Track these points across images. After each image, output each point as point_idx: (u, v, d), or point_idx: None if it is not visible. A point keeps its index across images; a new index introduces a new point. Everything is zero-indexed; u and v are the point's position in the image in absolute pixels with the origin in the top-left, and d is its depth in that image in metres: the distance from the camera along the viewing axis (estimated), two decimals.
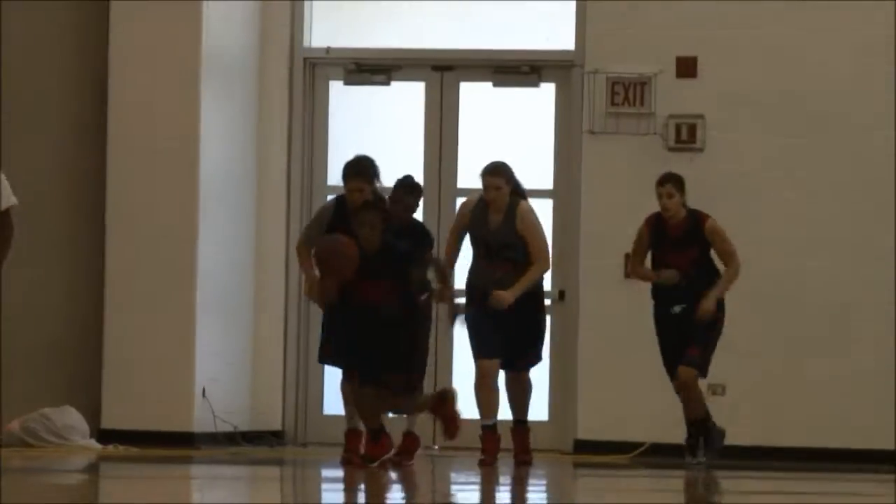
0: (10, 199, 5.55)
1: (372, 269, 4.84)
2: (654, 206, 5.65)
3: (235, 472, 5.85)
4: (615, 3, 6.35)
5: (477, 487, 5.18)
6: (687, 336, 5.74)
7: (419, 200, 5.39)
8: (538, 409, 6.17)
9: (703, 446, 5.79)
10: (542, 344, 5.84)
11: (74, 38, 6.48)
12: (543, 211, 5.87)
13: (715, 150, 6.25)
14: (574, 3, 6.36)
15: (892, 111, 6.08)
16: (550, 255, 5.65)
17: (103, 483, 5.58)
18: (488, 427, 5.58)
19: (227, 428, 6.27)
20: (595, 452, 6.24)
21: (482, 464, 5.52)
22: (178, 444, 6.13)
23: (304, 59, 6.56)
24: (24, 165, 5.96)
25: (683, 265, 5.76)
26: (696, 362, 5.74)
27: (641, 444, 6.01)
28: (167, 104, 6.22)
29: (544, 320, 5.85)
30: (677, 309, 5.76)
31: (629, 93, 6.28)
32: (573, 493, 5.61)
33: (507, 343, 5.50)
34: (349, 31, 6.68)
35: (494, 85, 6.63)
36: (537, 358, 5.76)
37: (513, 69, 6.62)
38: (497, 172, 5.41)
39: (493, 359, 5.53)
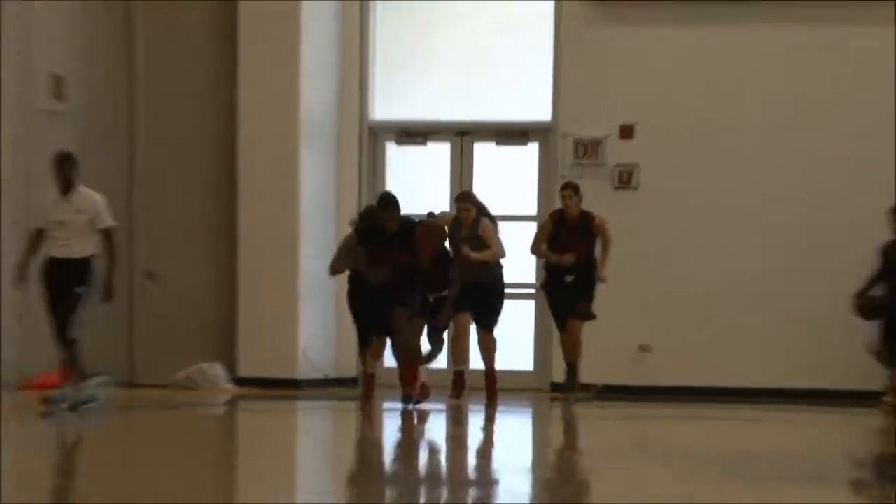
0: (108, 221, 6.86)
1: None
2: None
3: (327, 404, 8.42)
4: (579, 87, 9.15)
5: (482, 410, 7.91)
6: (574, 297, 7.83)
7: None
8: (526, 361, 9.06)
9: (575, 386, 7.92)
10: (499, 309, 7.76)
11: (210, 89, 9.05)
12: (530, 229, 8.65)
13: (645, 188, 9.02)
14: (550, 89, 9.17)
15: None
16: (503, 250, 7.66)
17: (240, 412, 8.30)
18: (459, 372, 7.78)
19: (320, 376, 8.92)
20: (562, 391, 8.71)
21: (450, 397, 7.64)
22: (287, 387, 8.70)
23: (369, 127, 9.25)
24: (178, 180, 8.76)
25: (576, 249, 7.78)
26: (585, 314, 7.84)
27: (594, 385, 8.73)
28: (278, 151, 8.84)
29: (502, 294, 7.79)
30: (569, 278, 7.84)
31: (588, 150, 8.91)
32: (550, 414, 8.50)
33: (477, 305, 7.62)
34: (399, 106, 9.41)
35: (497, 144, 9.32)
36: (494, 321, 7.73)
37: (510, 133, 9.30)
38: (465, 199, 7.82)
39: (466, 312, 7.56)
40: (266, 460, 4.94)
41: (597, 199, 8.56)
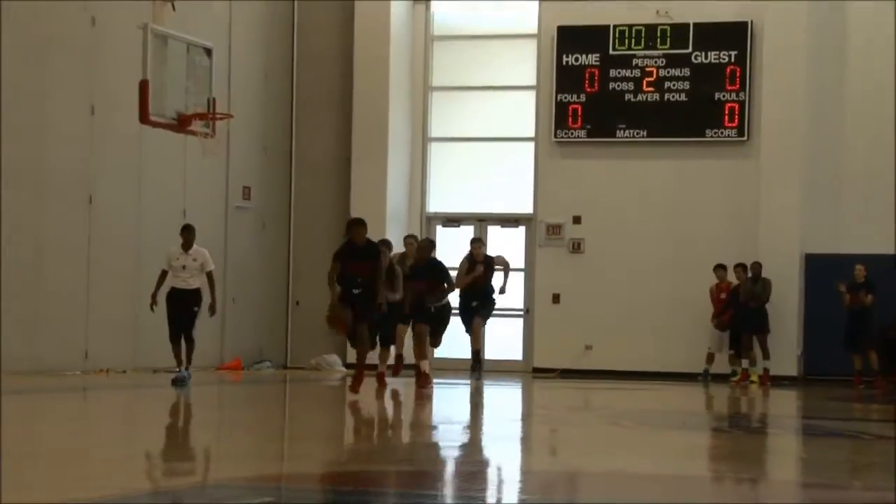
0: (211, 267, 10.43)
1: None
2: (563, 276, 14.84)
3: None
4: (549, 193, 15.43)
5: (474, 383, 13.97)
6: (477, 307, 12.15)
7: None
8: (516, 352, 15.16)
9: (478, 368, 12.16)
10: (444, 327, 11.52)
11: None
12: (521, 278, 14.91)
13: (590, 251, 15.11)
14: (532, 194, 15.53)
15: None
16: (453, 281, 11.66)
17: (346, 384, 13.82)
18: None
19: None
20: (541, 371, 14.90)
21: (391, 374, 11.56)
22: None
23: (427, 217, 15.61)
24: (321, 239, 14.93)
25: (482, 279, 12.07)
26: (483, 321, 12.32)
27: (556, 369, 14.88)
28: (372, 228, 15.13)
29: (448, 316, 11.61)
30: (475, 303, 12.17)
31: (554, 231, 15.11)
32: (531, 386, 14.54)
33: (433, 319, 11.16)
34: (444, 204, 15.85)
35: (501, 227, 15.64)
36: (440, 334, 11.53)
37: (508, 220, 15.66)
38: (423, 245, 11.77)
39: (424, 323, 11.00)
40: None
41: (558, 259, 14.89)
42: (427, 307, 11.15)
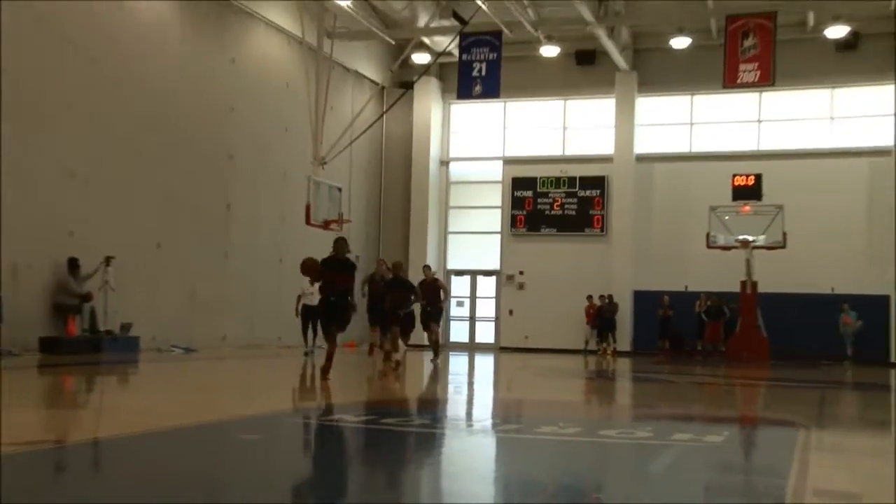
0: None
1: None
2: (514, 301, 29.69)
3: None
4: (508, 258, 30.32)
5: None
6: (431, 313, 17.05)
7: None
8: (491, 338, 29.89)
9: (436, 354, 17.38)
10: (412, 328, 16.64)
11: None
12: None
13: (528, 289, 29.94)
14: (499, 259, 30.42)
15: None
16: (419, 293, 16.24)
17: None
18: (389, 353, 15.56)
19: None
20: (505, 349, 29.68)
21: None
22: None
23: (446, 269, 30.57)
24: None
25: (433, 295, 16.70)
26: (437, 321, 17.30)
27: (511, 347, 29.52)
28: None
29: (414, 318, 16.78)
30: (429, 308, 16.84)
31: (509, 278, 30.04)
32: (499, 356, 29.26)
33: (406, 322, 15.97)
34: (454, 260, 30.86)
35: (485, 276, 30.56)
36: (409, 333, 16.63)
37: (488, 273, 30.62)
38: (397, 264, 16.29)
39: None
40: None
41: (512, 293, 29.91)
42: (399, 314, 15.01)
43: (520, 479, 5.51)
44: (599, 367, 22.00)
